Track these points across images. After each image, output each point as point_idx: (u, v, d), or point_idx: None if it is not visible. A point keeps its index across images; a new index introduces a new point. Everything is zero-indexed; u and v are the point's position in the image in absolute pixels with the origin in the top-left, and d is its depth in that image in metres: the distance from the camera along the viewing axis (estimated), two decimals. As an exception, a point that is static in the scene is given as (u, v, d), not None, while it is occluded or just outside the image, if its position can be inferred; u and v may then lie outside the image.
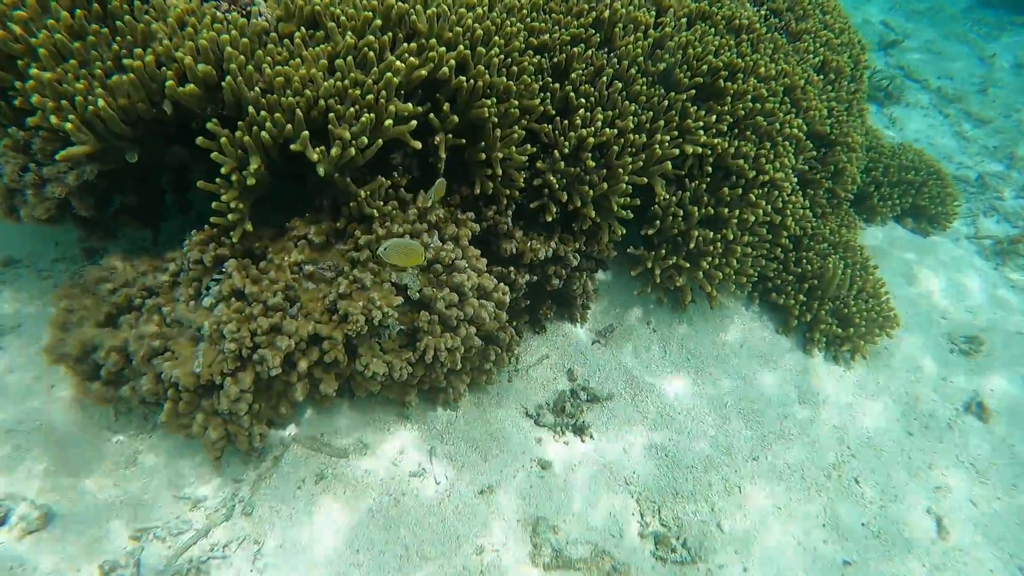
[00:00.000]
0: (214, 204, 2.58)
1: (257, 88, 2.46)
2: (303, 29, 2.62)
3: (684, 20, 3.36)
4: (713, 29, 3.40)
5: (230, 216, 2.59)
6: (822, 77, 3.85)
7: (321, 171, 2.55)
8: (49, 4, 2.43)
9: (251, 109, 2.45)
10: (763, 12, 3.90)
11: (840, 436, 3.79)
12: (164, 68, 2.43)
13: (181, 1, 2.60)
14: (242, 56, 2.45)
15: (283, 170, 2.79)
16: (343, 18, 2.60)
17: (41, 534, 2.74)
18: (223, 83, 2.42)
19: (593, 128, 3.09)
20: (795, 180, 3.65)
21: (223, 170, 2.51)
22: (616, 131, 3.13)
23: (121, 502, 2.88)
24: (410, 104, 2.62)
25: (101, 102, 2.34)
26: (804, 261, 3.90)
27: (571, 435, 3.49)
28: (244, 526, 2.83)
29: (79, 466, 2.97)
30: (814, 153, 3.79)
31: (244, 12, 2.68)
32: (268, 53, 2.55)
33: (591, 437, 3.50)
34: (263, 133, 2.45)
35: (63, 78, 2.38)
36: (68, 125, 2.35)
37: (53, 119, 2.35)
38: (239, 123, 2.49)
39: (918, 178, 5.26)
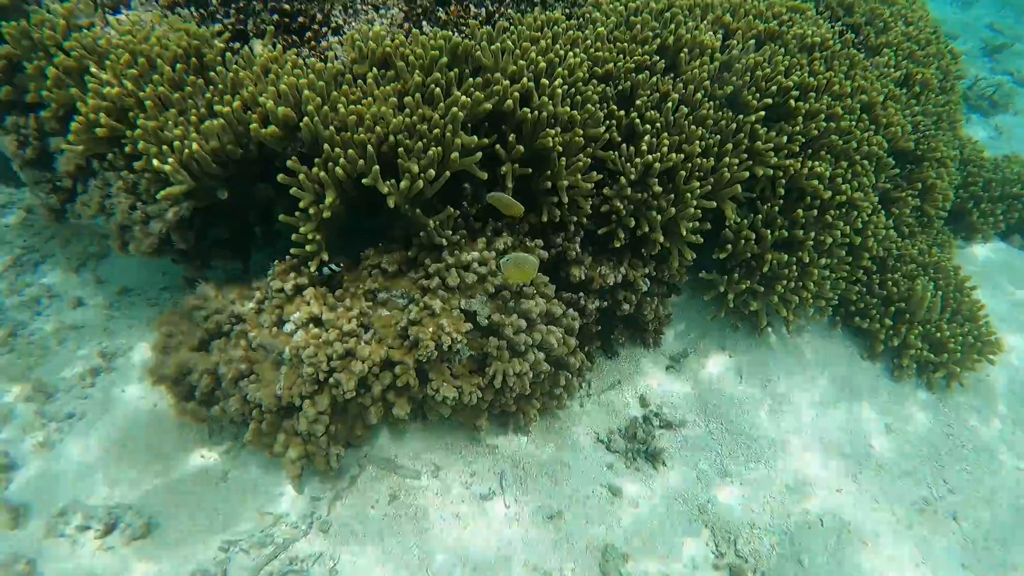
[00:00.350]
0: (293, 236, 2.77)
1: (332, 127, 2.63)
2: (375, 69, 2.79)
3: (752, 42, 3.32)
4: (783, 49, 3.34)
5: (307, 247, 2.77)
6: (905, 91, 3.68)
7: (391, 203, 2.69)
8: (155, 61, 2.70)
9: (326, 147, 2.62)
10: (839, 28, 3.78)
11: (934, 469, 3.56)
12: (249, 112, 2.65)
13: (266, 50, 2.82)
14: (318, 98, 2.63)
15: (359, 202, 2.94)
16: (411, 57, 2.74)
17: (144, 541, 2.98)
18: (301, 123, 2.61)
19: (659, 154, 3.09)
20: (876, 199, 3.50)
21: (301, 204, 2.69)
22: (683, 156, 3.12)
23: (213, 515, 3.08)
24: (475, 136, 2.71)
25: (195, 145, 2.57)
26: (890, 283, 3.71)
27: (643, 461, 3.45)
28: (321, 542, 2.96)
29: (178, 479, 3.20)
30: (897, 171, 3.62)
31: (322, 56, 2.88)
32: (343, 93, 2.73)
33: (663, 464, 3.45)
34: (337, 169, 2.61)
35: (164, 125, 2.63)
36: (168, 167, 2.59)
37: (155, 162, 2.61)
38: (315, 160, 2.66)
39: (1026, 192, 4.90)
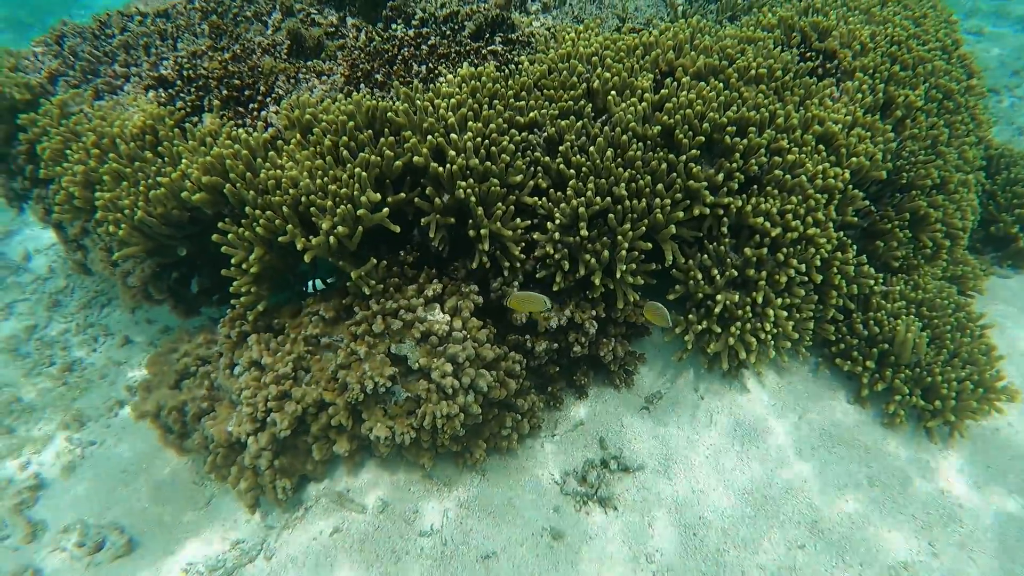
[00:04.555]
0: (231, 288, 3.06)
1: (252, 191, 2.91)
2: (298, 135, 3.04)
3: (687, 79, 3.24)
4: (723, 84, 3.22)
5: (243, 299, 3.05)
6: (876, 116, 3.38)
7: (307, 258, 2.91)
8: (115, 140, 3.12)
9: (248, 208, 2.90)
10: (800, 53, 3.57)
11: (920, 528, 3.21)
12: (187, 180, 2.99)
13: (213, 123, 3.17)
14: (241, 165, 2.92)
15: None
16: (324, 123, 2.97)
17: (124, 560, 3.37)
18: (225, 189, 2.90)
19: (584, 198, 3.10)
20: (839, 235, 3.25)
21: (233, 260, 2.98)
22: (611, 199, 3.11)
23: (186, 538, 3.42)
24: (379, 194, 2.88)
25: (139, 212, 2.94)
26: (872, 323, 3.42)
27: (593, 505, 3.41)
28: (263, 568, 3.20)
29: (169, 504, 3.59)
30: (867, 203, 3.34)
31: (258, 125, 3.18)
32: (270, 160, 3.00)
33: (614, 508, 3.38)
34: (258, 228, 2.88)
35: (119, 196, 3.03)
36: (121, 232, 2.98)
37: (111, 228, 3.01)
38: (242, 220, 2.95)
39: (1092, 211, 4.30)
